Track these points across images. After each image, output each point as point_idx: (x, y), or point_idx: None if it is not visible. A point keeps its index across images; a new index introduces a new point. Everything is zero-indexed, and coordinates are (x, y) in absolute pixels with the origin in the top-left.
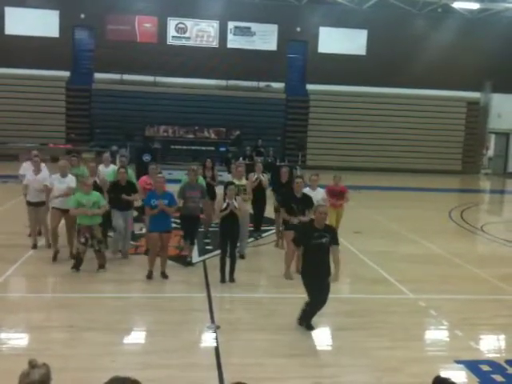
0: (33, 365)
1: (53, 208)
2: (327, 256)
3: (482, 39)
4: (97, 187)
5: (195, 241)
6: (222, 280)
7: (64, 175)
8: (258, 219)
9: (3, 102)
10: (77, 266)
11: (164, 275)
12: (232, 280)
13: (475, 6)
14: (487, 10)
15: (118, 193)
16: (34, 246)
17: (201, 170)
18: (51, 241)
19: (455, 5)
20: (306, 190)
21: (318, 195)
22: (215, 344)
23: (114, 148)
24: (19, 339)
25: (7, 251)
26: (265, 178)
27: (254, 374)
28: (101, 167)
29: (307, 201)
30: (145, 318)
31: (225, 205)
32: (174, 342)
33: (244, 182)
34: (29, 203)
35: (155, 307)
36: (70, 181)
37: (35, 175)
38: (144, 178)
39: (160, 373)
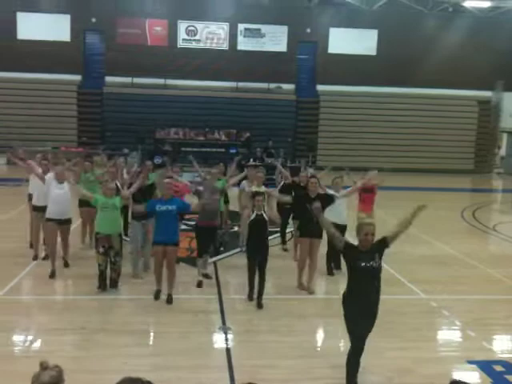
0: (44, 366)
1: (48, 220)
2: (377, 282)
3: (493, 38)
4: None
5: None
6: (250, 298)
7: (61, 181)
8: (283, 231)
9: (15, 106)
10: (102, 286)
11: (170, 299)
12: (260, 306)
13: (486, 4)
14: (498, 9)
15: (139, 197)
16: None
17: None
18: (50, 259)
19: (466, 4)
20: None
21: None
22: (226, 345)
23: (125, 151)
24: (32, 341)
25: (20, 254)
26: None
27: (265, 375)
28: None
29: (322, 201)
30: (156, 320)
31: (253, 216)
32: (186, 344)
33: (263, 189)
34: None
35: (166, 309)
36: (69, 188)
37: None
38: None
39: (171, 374)
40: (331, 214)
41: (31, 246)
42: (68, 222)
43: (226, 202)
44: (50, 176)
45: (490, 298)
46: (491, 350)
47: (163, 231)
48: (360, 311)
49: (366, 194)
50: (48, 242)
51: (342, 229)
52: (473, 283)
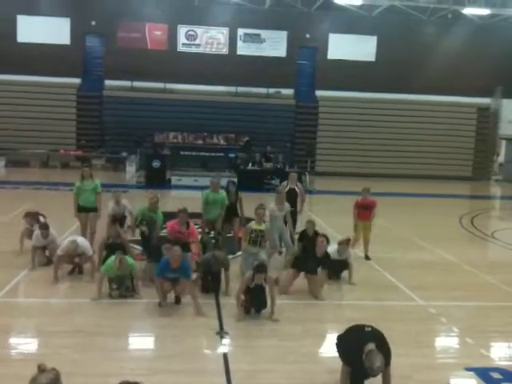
0: (41, 369)
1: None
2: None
3: (492, 45)
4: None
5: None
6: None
7: None
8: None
9: (15, 108)
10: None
11: (178, 300)
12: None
13: (485, 11)
14: (497, 16)
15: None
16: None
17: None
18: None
19: (465, 11)
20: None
21: (349, 255)
22: (223, 350)
23: (124, 154)
24: (29, 344)
25: (16, 257)
26: (300, 188)
27: (262, 380)
28: (112, 204)
29: (325, 262)
30: (153, 324)
31: (253, 285)
32: (183, 348)
33: (263, 227)
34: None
35: (164, 313)
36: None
37: (43, 239)
38: (172, 223)
39: (168, 378)
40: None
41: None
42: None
43: (236, 215)
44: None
45: (488, 304)
46: (489, 357)
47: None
48: None
49: (362, 210)
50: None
51: (343, 263)
52: (471, 290)
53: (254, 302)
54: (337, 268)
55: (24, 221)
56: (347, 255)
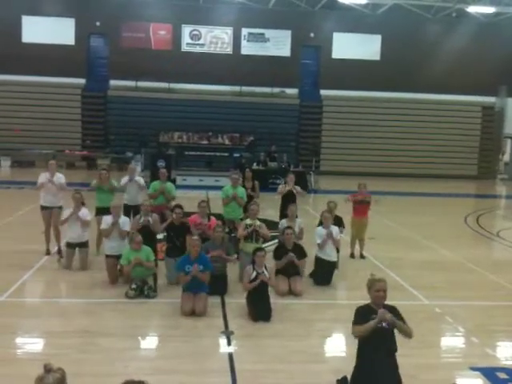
0: (48, 369)
1: (108, 256)
2: (390, 348)
3: (497, 43)
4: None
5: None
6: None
7: (119, 217)
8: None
9: (20, 108)
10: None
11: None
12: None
13: (490, 9)
14: (502, 14)
15: (172, 236)
16: (48, 252)
17: (240, 180)
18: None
19: (470, 9)
20: (319, 229)
21: (332, 232)
22: (229, 349)
23: (129, 154)
24: (35, 344)
25: (23, 257)
26: (298, 189)
27: (267, 379)
28: (126, 179)
29: (298, 252)
30: (159, 324)
31: (254, 274)
32: (188, 348)
33: (257, 222)
34: (42, 207)
35: (169, 312)
36: (125, 223)
37: (50, 178)
38: (193, 217)
39: (173, 378)
40: (322, 253)
41: (47, 253)
42: None
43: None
44: (106, 219)
45: (494, 304)
46: (495, 356)
47: (193, 285)
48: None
49: (358, 205)
50: (110, 276)
51: (331, 265)
52: (476, 289)
53: (257, 297)
54: (325, 271)
55: (49, 164)
56: (335, 232)
